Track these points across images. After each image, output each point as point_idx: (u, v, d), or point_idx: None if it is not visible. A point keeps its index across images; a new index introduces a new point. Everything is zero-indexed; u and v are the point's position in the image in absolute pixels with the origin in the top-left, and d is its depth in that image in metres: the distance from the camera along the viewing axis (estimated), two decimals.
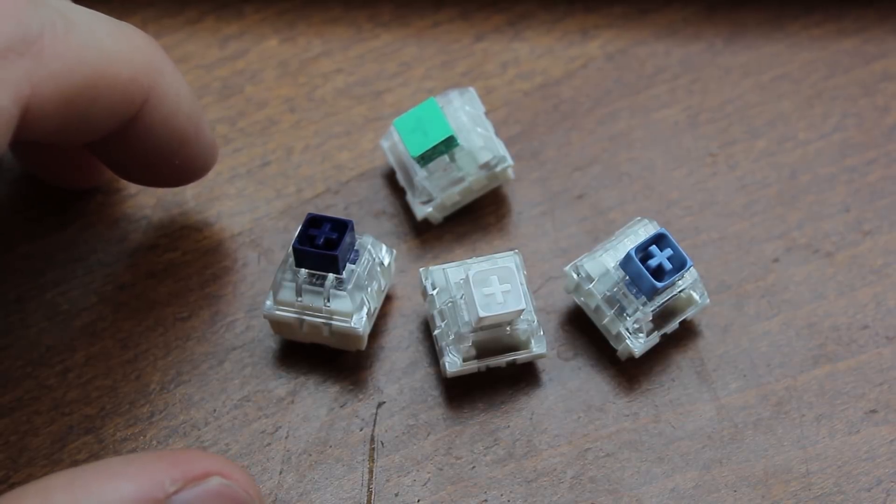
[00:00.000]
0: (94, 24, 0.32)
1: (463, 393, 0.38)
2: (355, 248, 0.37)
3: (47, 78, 0.30)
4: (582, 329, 0.39)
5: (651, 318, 0.37)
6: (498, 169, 0.40)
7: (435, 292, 0.37)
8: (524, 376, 0.38)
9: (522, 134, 0.43)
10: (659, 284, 0.36)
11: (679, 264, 0.36)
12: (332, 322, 0.37)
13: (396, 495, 0.36)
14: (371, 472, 0.37)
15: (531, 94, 0.44)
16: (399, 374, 0.38)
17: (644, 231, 0.38)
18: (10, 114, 0.29)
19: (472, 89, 0.41)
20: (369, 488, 0.36)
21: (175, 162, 0.36)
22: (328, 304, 0.36)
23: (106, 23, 0.33)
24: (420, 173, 0.39)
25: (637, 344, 0.37)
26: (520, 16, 0.45)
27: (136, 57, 0.33)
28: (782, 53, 0.44)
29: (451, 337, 0.37)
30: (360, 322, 0.36)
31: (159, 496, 0.28)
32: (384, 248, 0.38)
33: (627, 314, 0.37)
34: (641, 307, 0.37)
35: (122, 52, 0.32)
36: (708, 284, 0.39)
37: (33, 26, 0.30)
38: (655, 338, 0.38)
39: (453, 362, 0.37)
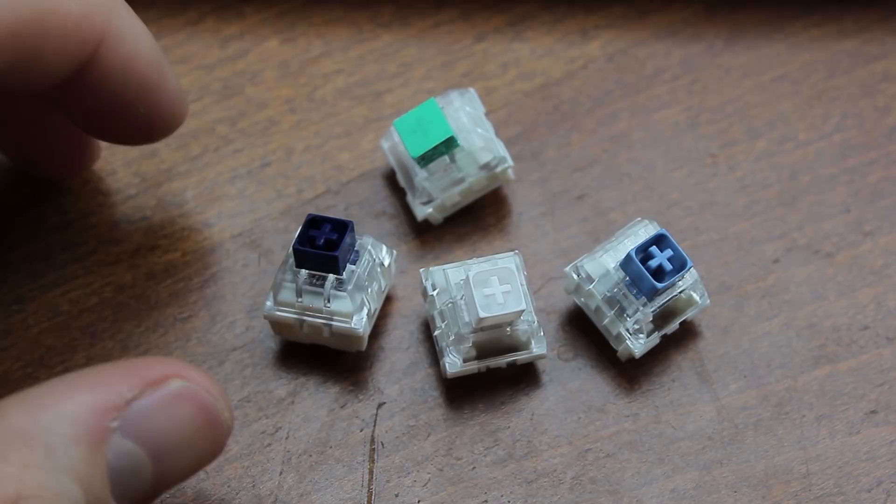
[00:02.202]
0: None
1: (463, 394, 0.38)
2: (355, 248, 0.37)
3: None
4: (582, 330, 0.39)
5: (651, 319, 0.37)
6: (498, 170, 0.40)
7: (435, 293, 0.37)
8: (524, 377, 0.38)
9: (523, 134, 0.43)
10: (659, 285, 0.36)
11: (679, 265, 0.36)
12: (333, 323, 0.37)
13: (397, 496, 0.36)
14: (371, 472, 0.37)
15: (531, 95, 0.44)
16: (399, 374, 0.38)
17: (644, 232, 0.38)
18: None
19: (472, 90, 0.41)
20: (369, 489, 0.36)
21: (140, 111, 0.35)
22: (328, 305, 0.36)
23: None
24: (420, 174, 0.39)
25: (637, 345, 0.37)
26: (520, 16, 0.45)
27: None
28: (782, 54, 0.44)
29: (452, 337, 0.37)
30: (360, 323, 0.37)
31: (118, 403, 0.27)
32: (384, 248, 0.38)
33: (628, 315, 0.37)
34: (642, 308, 0.37)
35: None
36: (708, 285, 0.39)
37: None
38: (656, 338, 0.38)
39: (454, 363, 0.37)
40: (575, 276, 0.38)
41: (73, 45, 0.32)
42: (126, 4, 0.34)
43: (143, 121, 0.36)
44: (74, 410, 0.27)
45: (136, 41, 0.34)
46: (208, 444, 0.29)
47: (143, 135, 0.37)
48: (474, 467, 0.37)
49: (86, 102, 0.35)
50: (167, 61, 0.36)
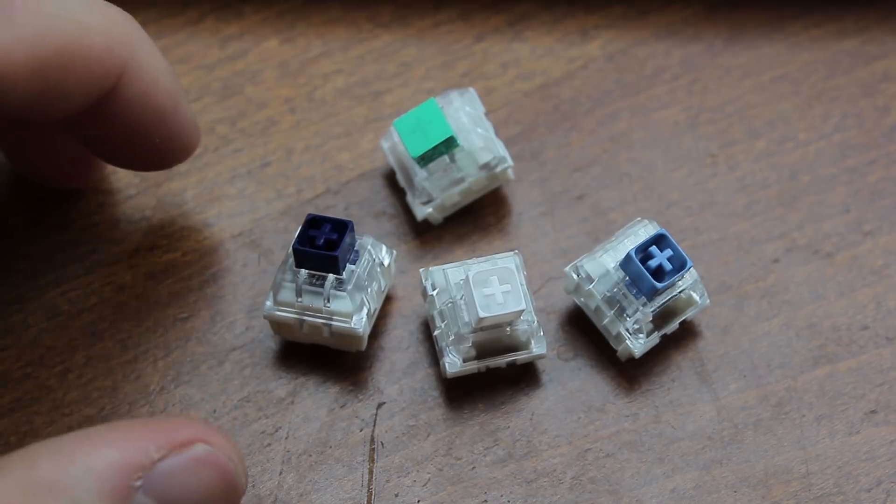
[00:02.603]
0: None
1: (463, 393, 0.38)
2: (355, 248, 0.37)
3: (18, 44, 0.30)
4: (582, 330, 0.39)
5: (651, 319, 0.37)
6: (498, 169, 0.40)
7: (435, 293, 0.37)
8: (524, 377, 0.38)
9: (522, 134, 0.43)
10: (659, 285, 0.36)
11: (679, 265, 0.36)
12: (333, 323, 0.37)
13: (396, 496, 0.36)
14: (371, 472, 0.37)
15: (531, 95, 0.44)
16: (399, 374, 0.38)
17: (644, 231, 0.38)
18: None
19: (472, 90, 0.41)
20: (369, 489, 0.36)
21: (155, 140, 0.35)
22: (328, 305, 0.36)
23: None
24: (420, 174, 0.39)
25: (637, 344, 0.37)
26: (520, 16, 0.45)
27: (111, 29, 0.33)
28: (782, 54, 0.44)
29: (451, 337, 0.37)
30: (360, 323, 0.37)
31: (144, 462, 0.28)
32: (384, 248, 0.38)
33: (627, 315, 0.37)
34: (641, 308, 0.37)
35: (98, 22, 0.32)
36: (708, 285, 0.39)
37: None
38: (655, 338, 0.38)
39: (453, 363, 0.37)
40: (575, 276, 0.38)
41: (96, 78, 0.33)
42: (146, 35, 0.34)
43: (158, 149, 0.36)
44: (102, 466, 0.27)
45: (155, 72, 0.34)
46: None
47: (157, 163, 0.38)
48: (474, 467, 0.37)
49: (102, 131, 0.35)
50: (182, 90, 0.36)
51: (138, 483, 0.28)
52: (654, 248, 0.37)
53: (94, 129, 0.35)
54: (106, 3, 0.33)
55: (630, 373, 0.38)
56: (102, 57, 0.32)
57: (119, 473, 0.28)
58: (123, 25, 0.33)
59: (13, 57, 0.30)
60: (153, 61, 0.34)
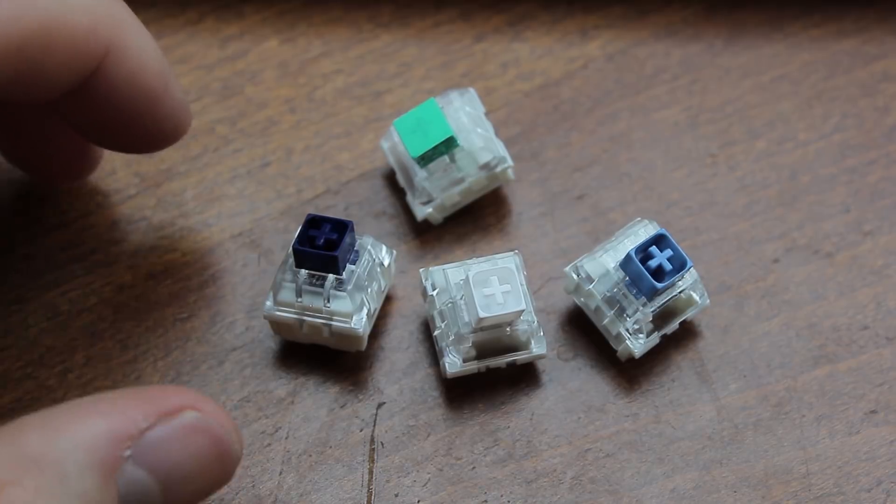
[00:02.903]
0: None
1: (463, 393, 0.38)
2: (355, 248, 0.37)
3: None
4: (582, 330, 0.39)
5: (651, 319, 0.37)
6: (498, 170, 0.40)
7: (435, 293, 0.37)
8: (524, 377, 0.38)
9: (522, 134, 0.43)
10: (659, 285, 0.36)
11: (679, 265, 0.36)
12: (332, 323, 0.37)
13: (396, 496, 0.36)
14: (371, 472, 0.37)
15: (531, 95, 0.44)
16: (399, 374, 0.38)
17: (644, 231, 0.38)
18: None
19: (472, 90, 0.41)
20: (369, 489, 0.36)
21: (145, 122, 0.35)
22: (328, 305, 0.36)
23: None
24: (420, 174, 0.39)
25: (637, 344, 0.37)
26: (520, 16, 0.45)
27: (95, 8, 0.32)
28: (782, 54, 0.44)
29: (451, 337, 0.37)
30: (360, 323, 0.37)
31: (133, 432, 0.28)
32: (384, 248, 0.38)
33: (627, 315, 0.37)
34: (641, 308, 0.37)
35: (81, 2, 0.32)
36: (708, 285, 0.39)
37: None
38: (655, 338, 0.38)
39: (453, 363, 0.37)
40: (575, 276, 0.38)
41: (78, 58, 0.32)
42: (133, 15, 0.34)
43: (148, 131, 0.36)
44: (90, 437, 0.27)
45: (142, 53, 0.34)
46: (218, 474, 0.30)
47: (147, 145, 0.37)
48: (474, 467, 0.37)
49: (90, 113, 0.35)
50: (172, 72, 0.35)
51: (127, 453, 0.27)
52: (654, 249, 0.37)
53: (82, 111, 0.35)
54: None
55: (630, 373, 0.38)
56: (86, 37, 0.32)
57: (107, 444, 0.27)
58: (108, 5, 0.33)
59: None
60: (140, 42, 0.34)
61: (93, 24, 0.32)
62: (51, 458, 0.26)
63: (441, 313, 0.37)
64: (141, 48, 0.34)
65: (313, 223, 0.36)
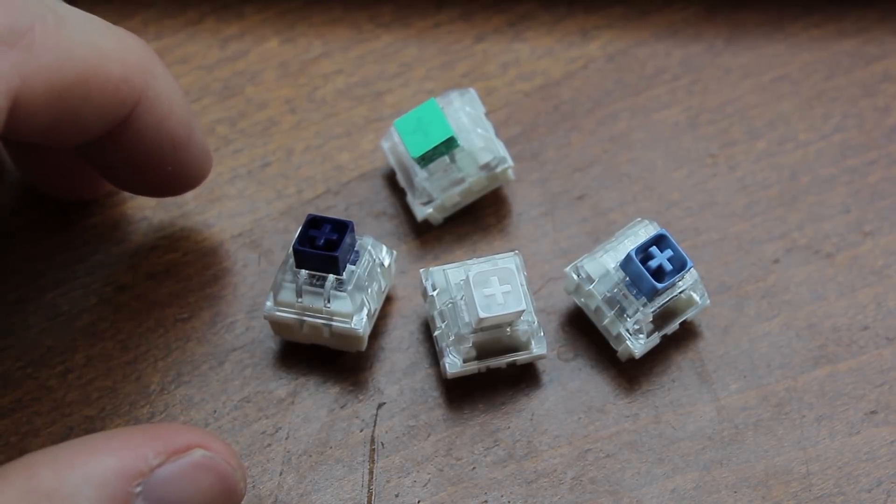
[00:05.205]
0: (86, 23, 0.32)
1: (463, 394, 0.38)
2: (355, 249, 0.37)
3: (37, 71, 0.30)
4: (582, 330, 0.39)
5: (651, 319, 0.37)
6: (498, 170, 0.40)
7: (435, 293, 0.37)
8: (524, 377, 0.38)
9: (523, 135, 0.43)
10: (659, 285, 0.36)
11: (679, 265, 0.36)
12: (333, 323, 0.37)
13: (397, 496, 0.36)
14: (371, 472, 0.37)
15: (531, 95, 0.44)
16: (399, 374, 0.38)
17: (644, 232, 0.38)
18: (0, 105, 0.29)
19: (472, 90, 0.41)
20: (369, 489, 0.36)
21: (168, 168, 0.36)
22: (328, 305, 0.36)
23: (99, 23, 0.32)
24: (420, 174, 0.39)
25: (637, 345, 0.37)
26: (520, 17, 0.45)
27: (128, 57, 0.33)
28: (782, 54, 0.44)
29: (452, 338, 0.37)
30: (360, 323, 0.37)
31: (143, 469, 0.28)
32: (384, 248, 0.38)
33: (628, 315, 0.37)
34: (642, 308, 0.37)
35: (115, 51, 0.32)
36: (708, 285, 0.39)
37: (24, 19, 0.30)
38: (656, 339, 0.38)
39: (454, 363, 0.37)
40: (575, 277, 0.38)
41: (113, 106, 0.33)
42: (161, 63, 0.34)
43: (170, 177, 0.36)
44: (101, 473, 0.28)
45: (170, 102, 0.34)
46: None
47: (169, 189, 0.38)
48: (474, 467, 0.37)
49: (115, 157, 0.35)
50: (197, 118, 0.36)
51: (138, 489, 0.28)
52: (654, 249, 0.37)
53: (108, 155, 0.35)
54: (123, 31, 0.33)
55: (630, 373, 0.38)
56: (119, 85, 0.32)
57: (118, 480, 0.28)
58: (140, 54, 0.33)
59: (32, 83, 0.30)
60: (169, 90, 0.34)
61: (126, 73, 0.33)
62: (63, 494, 0.27)
63: (441, 314, 0.37)
64: (169, 97, 0.34)
65: (313, 223, 0.36)
